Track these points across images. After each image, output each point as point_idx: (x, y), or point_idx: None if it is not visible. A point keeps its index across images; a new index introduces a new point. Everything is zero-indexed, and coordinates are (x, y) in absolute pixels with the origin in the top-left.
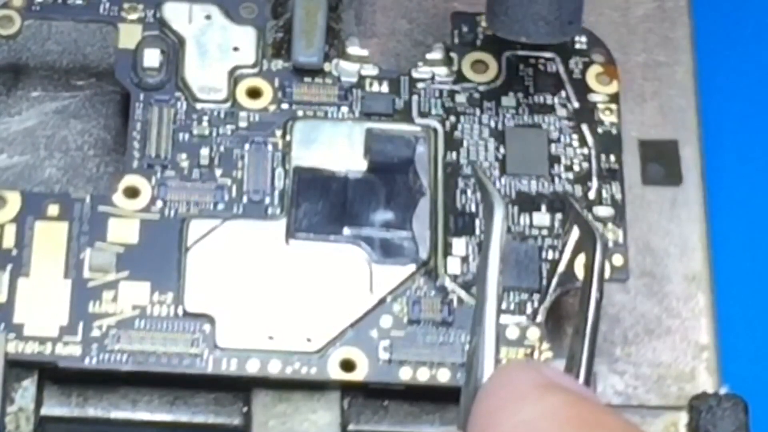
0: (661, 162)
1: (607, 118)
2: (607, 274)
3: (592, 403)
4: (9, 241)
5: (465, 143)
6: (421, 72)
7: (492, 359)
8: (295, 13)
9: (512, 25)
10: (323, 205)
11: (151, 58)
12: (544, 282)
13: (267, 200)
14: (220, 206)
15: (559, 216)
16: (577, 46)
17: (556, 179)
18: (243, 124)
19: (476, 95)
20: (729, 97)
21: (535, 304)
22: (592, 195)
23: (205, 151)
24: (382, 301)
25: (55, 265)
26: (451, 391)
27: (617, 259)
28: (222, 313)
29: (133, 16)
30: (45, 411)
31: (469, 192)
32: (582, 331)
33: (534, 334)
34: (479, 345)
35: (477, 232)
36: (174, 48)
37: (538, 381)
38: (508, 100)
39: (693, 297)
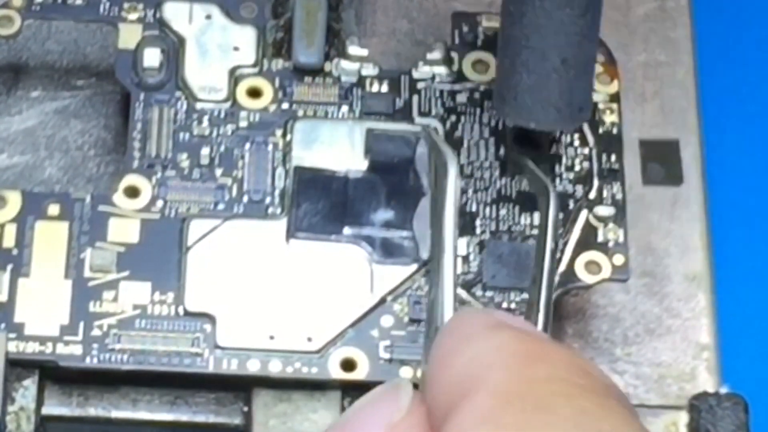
0: (662, 162)
1: (608, 117)
2: (607, 273)
3: (539, 337)
4: (9, 240)
5: (465, 143)
6: (422, 72)
7: (451, 309)
8: (295, 12)
9: (521, 111)
10: (324, 204)
11: (151, 57)
12: None
13: (267, 200)
14: (221, 206)
15: (559, 216)
16: None
17: (556, 179)
18: (243, 123)
19: (477, 95)
20: (729, 97)
21: None
22: (592, 195)
23: (205, 151)
24: (382, 300)
25: (56, 265)
26: None
27: (618, 259)
28: (222, 313)
29: (133, 16)
30: (46, 410)
31: (469, 192)
32: (539, 280)
33: None
34: (438, 296)
35: (477, 231)
36: (174, 48)
37: (488, 322)
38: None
39: (693, 297)
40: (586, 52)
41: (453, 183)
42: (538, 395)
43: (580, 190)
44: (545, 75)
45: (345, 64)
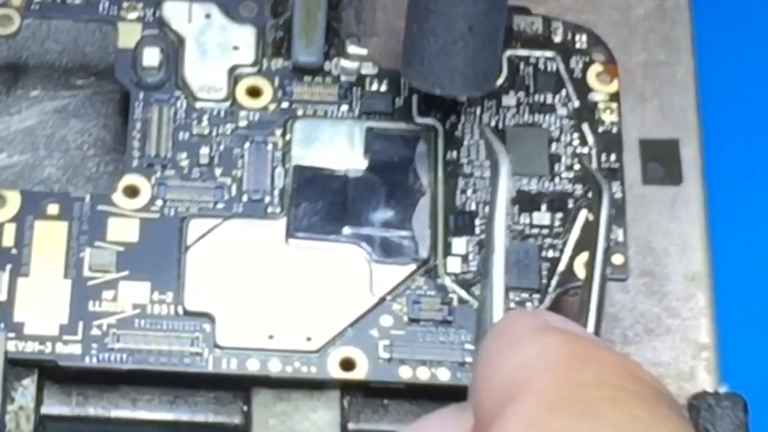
0: (662, 161)
1: (608, 117)
2: (607, 273)
3: (587, 340)
4: (9, 240)
5: (465, 142)
6: None
7: (500, 310)
8: (295, 12)
9: (427, 76)
10: (323, 204)
11: (151, 57)
12: (544, 282)
13: (267, 199)
14: (220, 205)
15: (559, 215)
16: (578, 45)
17: (557, 178)
18: (243, 123)
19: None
20: (729, 97)
21: (536, 304)
22: (592, 194)
23: (204, 151)
24: (382, 300)
25: (55, 265)
26: (451, 390)
27: (617, 259)
28: (222, 312)
29: (133, 15)
30: (45, 410)
31: (469, 191)
32: (590, 280)
33: None
34: (488, 297)
35: (477, 231)
36: (174, 47)
37: (535, 325)
38: (508, 100)
39: (693, 296)
40: (494, 20)
41: (504, 184)
42: (585, 400)
43: (579, 189)
44: (451, 41)
45: (345, 63)
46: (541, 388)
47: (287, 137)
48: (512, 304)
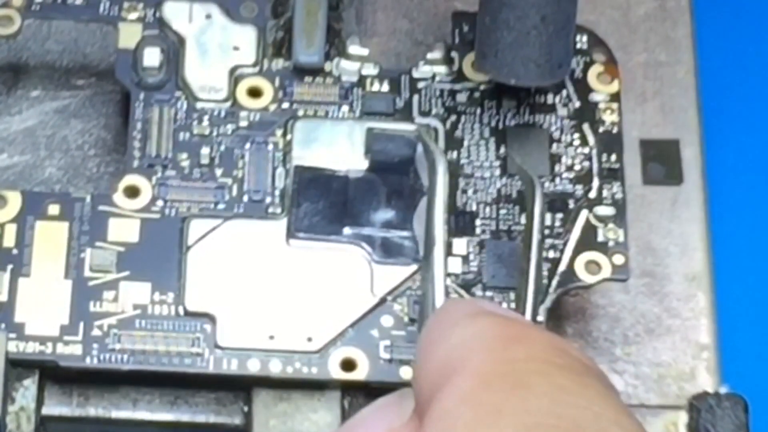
0: (662, 161)
1: (608, 117)
2: (607, 273)
3: (518, 321)
4: (9, 240)
5: (465, 143)
6: (422, 71)
7: (442, 300)
8: (295, 12)
9: (501, 67)
10: (324, 204)
11: (152, 57)
12: (545, 282)
13: (268, 200)
14: (221, 206)
15: (559, 216)
16: (578, 45)
17: (557, 179)
18: (243, 123)
19: (477, 94)
20: (730, 97)
21: None
22: (592, 194)
23: (205, 151)
24: (382, 300)
25: (56, 265)
26: None
27: (618, 259)
28: (223, 313)
29: (133, 16)
30: (46, 410)
31: (469, 191)
32: (526, 271)
33: None
34: (429, 288)
35: (477, 231)
36: (174, 47)
37: (470, 310)
38: (508, 100)
39: (693, 297)
40: (565, 9)
41: (441, 181)
42: (516, 374)
43: (580, 189)
44: (525, 32)
45: (345, 63)
46: (475, 365)
47: (288, 137)
48: (512, 305)
